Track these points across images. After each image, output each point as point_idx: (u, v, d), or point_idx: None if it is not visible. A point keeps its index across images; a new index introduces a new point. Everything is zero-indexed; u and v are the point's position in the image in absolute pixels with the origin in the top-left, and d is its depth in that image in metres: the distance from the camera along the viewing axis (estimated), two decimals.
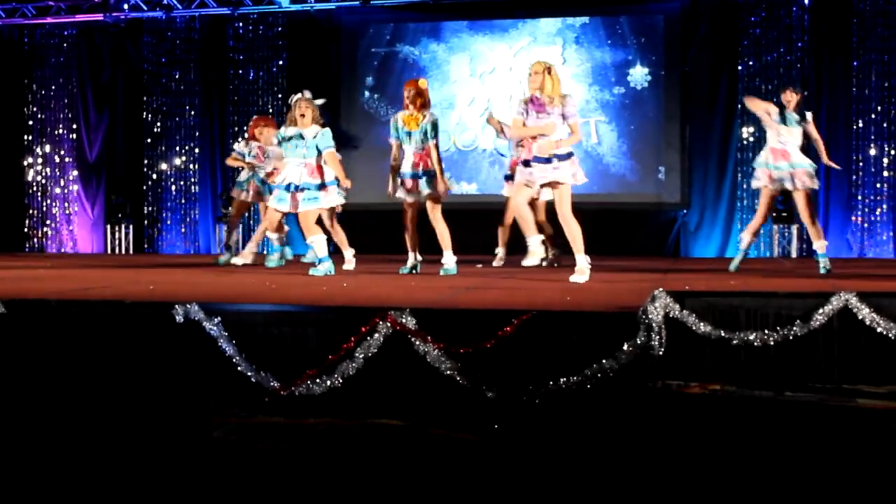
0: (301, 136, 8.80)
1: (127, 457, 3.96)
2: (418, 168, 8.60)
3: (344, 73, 14.91)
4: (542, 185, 7.86)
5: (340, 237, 10.02)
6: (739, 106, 13.45)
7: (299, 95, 8.98)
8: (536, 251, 7.94)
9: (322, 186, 8.87)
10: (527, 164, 7.70)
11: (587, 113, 14.05)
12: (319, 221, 9.34)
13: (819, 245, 8.82)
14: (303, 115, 8.81)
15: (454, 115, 14.18)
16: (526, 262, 8.01)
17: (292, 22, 15.03)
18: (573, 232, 7.79)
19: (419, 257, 9.00)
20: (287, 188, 8.81)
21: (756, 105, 9.03)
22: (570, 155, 7.68)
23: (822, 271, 8.58)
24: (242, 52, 15.21)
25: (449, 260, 8.79)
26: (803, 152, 8.87)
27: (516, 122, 7.78)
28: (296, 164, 8.80)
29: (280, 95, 14.86)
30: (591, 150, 13.99)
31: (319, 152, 8.81)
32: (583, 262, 7.84)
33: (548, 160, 7.58)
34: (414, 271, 8.86)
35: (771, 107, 8.88)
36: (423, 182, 8.59)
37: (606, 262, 10.95)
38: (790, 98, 8.74)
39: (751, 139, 13.49)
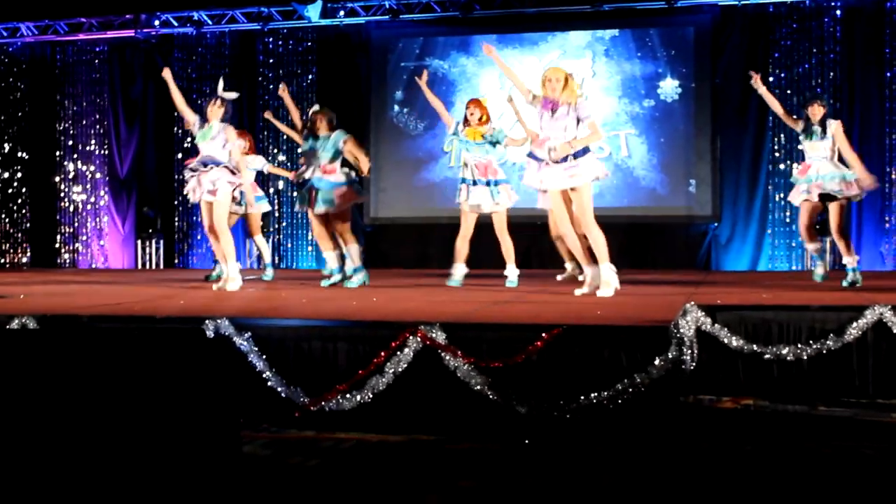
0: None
1: (158, 473, 3.98)
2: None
3: (373, 88, 14.96)
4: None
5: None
6: (771, 118, 13.37)
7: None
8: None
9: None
10: (533, 157, 7.60)
11: (617, 126, 14.03)
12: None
13: (849, 260, 8.75)
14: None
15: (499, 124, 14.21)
16: (578, 291, 7.74)
17: (321, 37, 15.10)
18: (597, 240, 7.53)
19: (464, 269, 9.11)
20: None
21: (787, 119, 8.96)
22: (586, 151, 7.44)
23: (845, 284, 8.55)
24: (272, 68, 15.29)
25: (512, 272, 9.05)
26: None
27: (532, 133, 7.74)
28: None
29: (310, 110, 14.87)
30: (621, 162, 13.96)
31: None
32: (608, 272, 7.58)
33: (563, 159, 7.45)
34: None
35: (798, 124, 8.81)
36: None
37: (637, 276, 10.92)
38: (815, 112, 8.65)
39: (782, 151, 13.42)
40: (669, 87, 13.97)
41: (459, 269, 9.02)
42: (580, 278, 8.44)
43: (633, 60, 14.10)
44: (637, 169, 13.99)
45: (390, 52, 14.90)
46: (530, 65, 14.14)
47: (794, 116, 8.90)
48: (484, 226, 9.10)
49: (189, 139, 15.31)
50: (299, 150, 9.36)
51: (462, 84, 14.51)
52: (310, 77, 15.16)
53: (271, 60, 15.29)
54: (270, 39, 15.28)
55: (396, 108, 14.86)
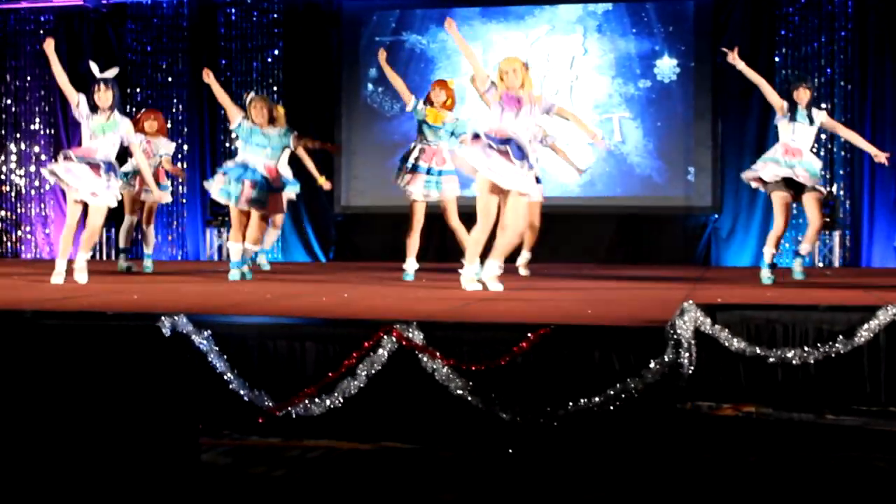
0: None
1: (110, 483, 3.98)
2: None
3: (345, 64, 14.94)
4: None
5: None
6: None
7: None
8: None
9: None
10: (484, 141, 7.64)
11: (610, 108, 14.07)
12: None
13: (805, 248, 8.94)
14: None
15: (465, 111, 14.19)
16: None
17: (289, 8, 15.05)
18: (513, 242, 8.01)
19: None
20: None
21: (773, 97, 9.00)
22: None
23: (798, 276, 8.70)
24: (235, 41, 15.23)
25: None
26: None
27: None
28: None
29: (276, 87, 14.87)
30: (614, 148, 13.98)
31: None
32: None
33: (524, 157, 7.57)
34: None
35: (784, 103, 8.88)
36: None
37: (631, 272, 10.97)
38: (802, 95, 8.75)
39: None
40: (667, 67, 14.01)
41: (410, 264, 9.38)
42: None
43: (627, 37, 14.12)
44: (631, 155, 14.02)
45: (363, 25, 14.88)
46: (516, 41, 14.16)
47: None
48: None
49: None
50: (232, 129, 9.38)
51: (442, 61, 14.50)
52: (275, 52, 15.11)
53: (234, 33, 15.23)
54: (233, 10, 15.21)
55: (370, 86, 14.83)
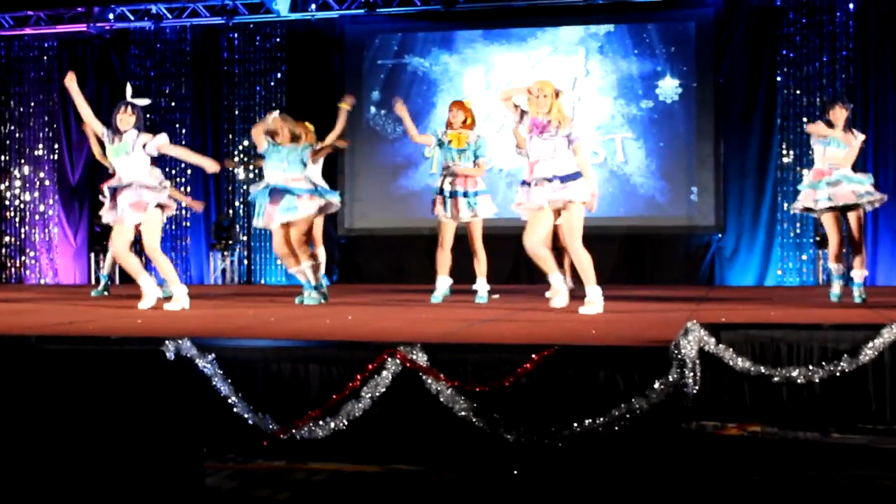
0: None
1: None
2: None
3: (348, 87, 14.92)
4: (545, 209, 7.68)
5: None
6: (779, 121, 13.51)
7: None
8: (560, 289, 7.87)
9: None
10: (525, 184, 7.64)
11: (612, 129, 14.09)
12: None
13: (858, 274, 8.85)
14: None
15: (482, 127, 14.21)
16: (555, 304, 7.87)
17: (292, 32, 15.11)
18: (583, 262, 7.67)
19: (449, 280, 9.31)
20: None
21: (819, 130, 8.80)
22: (577, 175, 7.58)
23: (858, 300, 8.64)
24: (238, 65, 15.29)
25: (482, 287, 9.29)
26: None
27: (520, 137, 7.75)
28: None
29: (279, 111, 14.86)
30: (617, 169, 14.01)
31: None
32: (594, 294, 7.70)
33: (549, 180, 7.51)
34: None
35: (830, 130, 8.74)
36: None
37: (635, 292, 10.94)
38: (839, 115, 8.66)
39: (792, 156, 13.47)
40: (669, 87, 14.04)
41: (443, 282, 9.20)
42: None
43: (629, 58, 14.16)
44: (634, 175, 14.04)
45: (366, 48, 14.93)
46: (518, 63, 14.20)
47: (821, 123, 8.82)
48: (463, 237, 9.25)
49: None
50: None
51: (444, 83, 14.54)
52: (278, 75, 15.18)
53: (237, 57, 15.30)
54: (236, 35, 15.28)
55: (373, 109, 14.87)
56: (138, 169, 8.42)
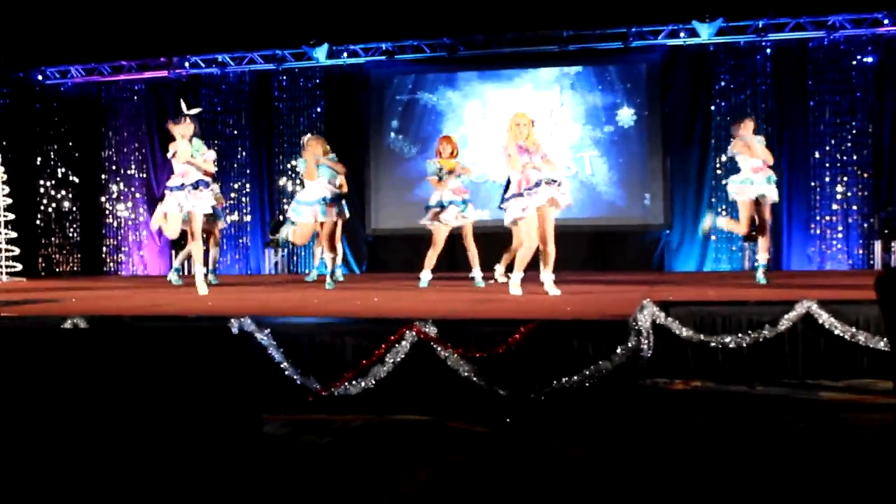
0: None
1: (193, 451, 3.97)
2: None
3: (372, 118, 14.94)
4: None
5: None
6: (713, 141, 13.51)
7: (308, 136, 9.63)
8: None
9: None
10: (518, 196, 7.53)
11: (582, 148, 14.05)
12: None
13: (763, 257, 8.81)
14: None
15: (468, 153, 14.16)
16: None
17: (328, 75, 15.08)
18: (552, 253, 7.61)
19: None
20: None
21: (738, 147, 8.74)
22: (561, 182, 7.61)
23: (763, 280, 8.58)
24: (285, 102, 15.24)
25: (477, 274, 9.35)
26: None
27: (514, 161, 7.63)
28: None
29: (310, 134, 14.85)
30: (585, 180, 13.97)
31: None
32: (551, 278, 7.68)
33: (549, 182, 7.47)
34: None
35: (740, 141, 8.71)
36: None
37: (600, 277, 10.92)
38: (748, 126, 8.62)
39: (723, 169, 13.42)
40: (626, 115, 13.99)
41: (428, 274, 9.31)
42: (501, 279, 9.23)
43: (594, 92, 14.11)
44: (599, 185, 14.00)
45: (387, 87, 14.89)
46: (507, 97, 14.14)
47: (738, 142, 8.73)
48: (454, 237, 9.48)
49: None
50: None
51: (448, 114, 14.51)
52: (318, 110, 15.13)
53: (284, 96, 15.26)
54: (284, 77, 15.24)
55: (392, 135, 14.84)
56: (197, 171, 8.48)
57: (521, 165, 7.50)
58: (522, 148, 7.49)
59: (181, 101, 9.01)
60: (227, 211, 13.96)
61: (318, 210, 9.10)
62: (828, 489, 3.68)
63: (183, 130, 8.49)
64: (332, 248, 9.66)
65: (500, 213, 9.45)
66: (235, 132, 15.49)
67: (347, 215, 10.19)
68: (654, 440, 4.57)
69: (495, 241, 10.20)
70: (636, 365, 5.35)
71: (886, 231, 12.56)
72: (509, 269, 8.43)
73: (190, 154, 8.44)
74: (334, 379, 5.48)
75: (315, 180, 9.23)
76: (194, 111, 8.66)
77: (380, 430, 4.95)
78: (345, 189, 10.06)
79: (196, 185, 8.43)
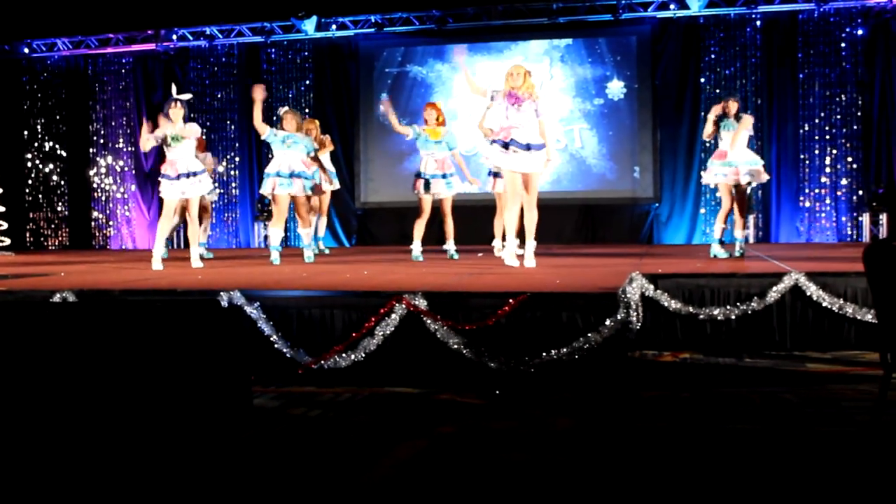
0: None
1: (183, 422, 3.98)
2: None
3: (362, 91, 14.88)
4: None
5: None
6: (703, 114, 13.43)
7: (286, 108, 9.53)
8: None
9: None
10: (505, 146, 7.46)
11: (572, 121, 14.03)
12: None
13: (742, 233, 8.84)
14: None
15: (457, 126, 14.13)
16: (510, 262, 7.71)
17: (317, 47, 15.00)
18: (535, 218, 7.53)
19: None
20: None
21: (710, 126, 8.78)
22: (543, 146, 7.44)
23: (738, 253, 8.62)
24: (274, 74, 15.17)
25: (451, 246, 9.37)
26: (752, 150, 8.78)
27: (486, 130, 7.58)
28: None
29: (307, 110, 14.81)
30: (575, 153, 13.96)
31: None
32: (532, 246, 7.65)
33: (527, 147, 7.43)
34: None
35: (712, 121, 8.72)
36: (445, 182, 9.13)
37: (590, 250, 10.94)
38: (730, 108, 8.66)
39: (712, 142, 13.42)
40: (616, 88, 13.96)
41: (419, 244, 9.29)
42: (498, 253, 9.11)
43: (584, 65, 14.07)
44: (589, 158, 13.99)
45: (376, 59, 14.82)
46: (498, 69, 14.06)
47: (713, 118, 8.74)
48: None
49: (203, 137, 15.24)
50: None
51: (438, 87, 14.46)
52: (306, 82, 15.06)
53: (273, 68, 15.18)
54: (273, 50, 15.16)
55: (382, 108, 14.77)
56: (192, 157, 8.46)
57: (504, 114, 7.46)
58: (512, 95, 7.46)
59: (172, 85, 8.93)
60: (217, 186, 13.87)
61: (276, 182, 8.97)
62: (813, 460, 3.71)
63: (174, 116, 8.43)
64: (306, 223, 9.48)
65: (490, 189, 9.48)
66: (224, 105, 15.42)
67: (326, 190, 10.16)
68: (641, 411, 4.60)
69: (483, 213, 10.21)
70: (625, 337, 5.37)
71: (874, 204, 12.60)
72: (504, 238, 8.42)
73: (164, 134, 8.42)
74: (324, 352, 5.49)
75: (264, 135, 9.18)
76: (185, 97, 8.59)
77: (370, 402, 4.96)
78: (319, 164, 9.68)
79: (190, 175, 8.39)
